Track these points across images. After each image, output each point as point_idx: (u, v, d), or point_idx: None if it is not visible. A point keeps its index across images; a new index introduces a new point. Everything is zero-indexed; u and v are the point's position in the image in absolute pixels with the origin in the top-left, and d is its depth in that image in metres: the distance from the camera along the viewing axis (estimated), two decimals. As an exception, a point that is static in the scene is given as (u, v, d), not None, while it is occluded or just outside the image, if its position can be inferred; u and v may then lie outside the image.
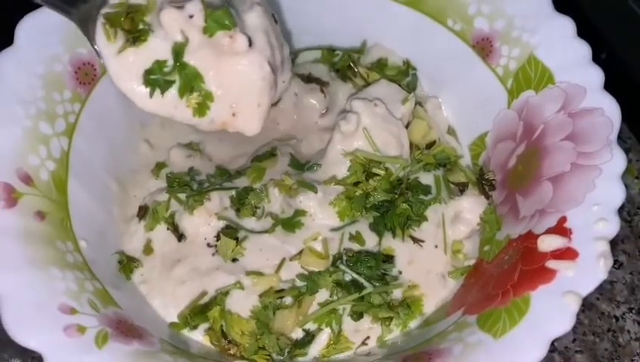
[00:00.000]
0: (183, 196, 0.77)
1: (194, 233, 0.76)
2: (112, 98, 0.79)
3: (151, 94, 0.67)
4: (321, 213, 0.76)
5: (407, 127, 0.83)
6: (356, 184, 0.77)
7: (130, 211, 0.80)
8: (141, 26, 0.67)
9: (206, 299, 0.72)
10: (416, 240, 0.76)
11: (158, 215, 0.77)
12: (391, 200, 0.76)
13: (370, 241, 0.76)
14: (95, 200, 0.75)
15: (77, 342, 0.58)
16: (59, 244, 0.66)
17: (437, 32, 0.82)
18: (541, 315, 0.59)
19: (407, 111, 0.82)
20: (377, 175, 0.77)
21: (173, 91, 0.67)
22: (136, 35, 0.66)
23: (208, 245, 0.76)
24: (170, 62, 0.66)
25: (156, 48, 0.66)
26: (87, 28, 0.68)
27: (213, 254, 0.75)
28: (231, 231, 0.75)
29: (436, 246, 0.76)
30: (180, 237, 0.76)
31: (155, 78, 0.67)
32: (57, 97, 0.73)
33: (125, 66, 0.67)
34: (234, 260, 0.74)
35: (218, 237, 0.75)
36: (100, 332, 0.60)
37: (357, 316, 0.71)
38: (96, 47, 0.68)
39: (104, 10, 0.67)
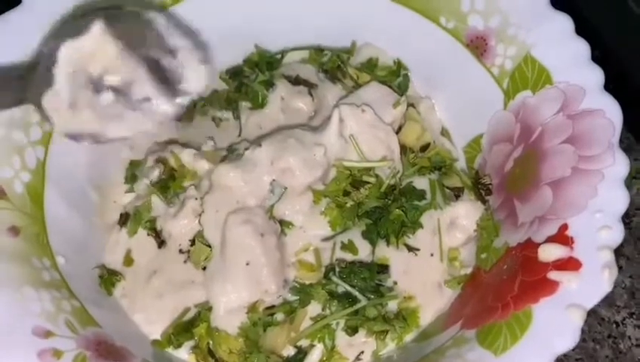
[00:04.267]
0: (166, 198, 0.75)
1: (178, 236, 0.73)
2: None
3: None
4: (310, 224, 0.73)
5: (399, 130, 0.80)
6: (347, 194, 0.74)
7: (110, 219, 0.77)
8: None
9: (190, 314, 0.69)
10: (411, 249, 0.73)
11: (141, 216, 0.74)
12: (383, 206, 0.73)
13: (363, 250, 0.73)
14: (74, 211, 0.72)
15: (52, 368, 0.54)
16: (34, 261, 0.63)
17: (429, 31, 0.79)
18: (544, 330, 0.56)
19: (398, 115, 0.79)
20: (368, 183, 0.74)
21: None
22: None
23: (180, 251, 0.73)
24: None
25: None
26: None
27: (185, 261, 0.72)
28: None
29: (432, 255, 0.73)
30: (161, 243, 0.74)
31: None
32: (32, 104, 0.70)
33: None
34: (204, 268, 0.71)
35: (193, 243, 0.73)
36: (78, 356, 0.57)
37: (351, 331, 0.69)
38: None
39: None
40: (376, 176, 0.75)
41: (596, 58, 0.71)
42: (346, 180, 0.74)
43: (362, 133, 0.75)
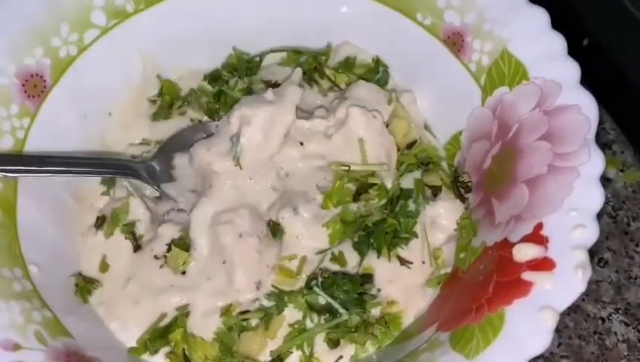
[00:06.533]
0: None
1: (165, 235, 0.73)
2: (65, 110, 0.75)
3: None
4: (309, 234, 0.71)
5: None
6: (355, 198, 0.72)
7: (86, 222, 0.76)
8: None
9: (166, 320, 0.69)
10: (403, 262, 0.71)
11: (118, 218, 0.74)
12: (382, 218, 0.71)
13: (352, 262, 0.71)
14: (48, 219, 0.71)
15: (19, 382, 0.54)
16: (4, 272, 0.62)
17: (407, 28, 0.78)
18: (516, 333, 0.55)
19: (390, 113, 0.78)
20: (374, 184, 0.72)
21: None
22: None
23: (155, 257, 0.72)
24: None
25: None
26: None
27: (161, 266, 0.72)
28: (183, 242, 0.72)
29: (423, 263, 0.71)
30: (137, 248, 0.73)
31: None
32: (3, 113, 0.70)
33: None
34: (183, 273, 0.71)
35: (169, 249, 0.72)
36: (46, 368, 0.56)
37: (333, 343, 0.67)
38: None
39: None
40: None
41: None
42: (348, 181, 0.72)
43: (370, 139, 0.74)
